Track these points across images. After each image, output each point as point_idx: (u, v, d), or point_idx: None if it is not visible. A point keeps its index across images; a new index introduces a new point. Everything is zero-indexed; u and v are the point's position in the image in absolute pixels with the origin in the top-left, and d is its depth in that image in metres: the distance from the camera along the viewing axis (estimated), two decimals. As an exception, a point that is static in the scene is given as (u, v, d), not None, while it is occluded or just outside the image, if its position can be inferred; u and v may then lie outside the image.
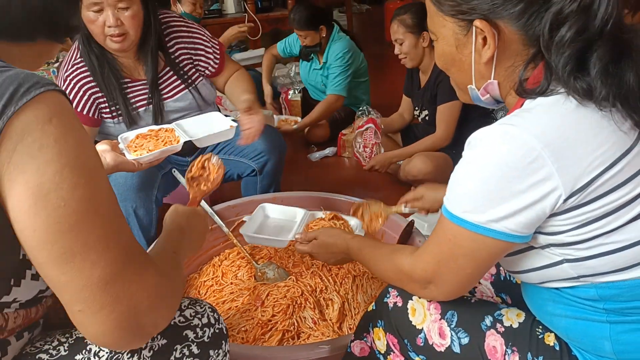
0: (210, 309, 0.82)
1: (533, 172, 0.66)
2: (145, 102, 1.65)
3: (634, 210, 0.69)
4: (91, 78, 1.57)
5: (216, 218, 1.58)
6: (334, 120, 2.99)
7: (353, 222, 1.47)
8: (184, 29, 1.69)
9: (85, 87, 1.58)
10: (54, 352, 0.70)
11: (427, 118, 2.40)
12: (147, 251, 0.73)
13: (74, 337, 0.73)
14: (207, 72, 1.73)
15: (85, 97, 1.58)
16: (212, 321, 0.81)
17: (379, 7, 6.27)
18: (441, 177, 2.08)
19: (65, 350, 0.71)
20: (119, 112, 1.62)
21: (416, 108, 2.47)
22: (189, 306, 0.80)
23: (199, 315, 0.79)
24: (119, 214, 0.63)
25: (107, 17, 1.43)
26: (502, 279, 1.09)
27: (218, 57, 1.73)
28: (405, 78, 2.53)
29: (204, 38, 1.72)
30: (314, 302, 1.36)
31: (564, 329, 0.79)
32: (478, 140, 0.71)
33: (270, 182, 1.83)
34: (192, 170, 1.22)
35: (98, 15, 1.44)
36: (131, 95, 1.64)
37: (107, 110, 1.62)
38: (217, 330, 0.81)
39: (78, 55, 1.58)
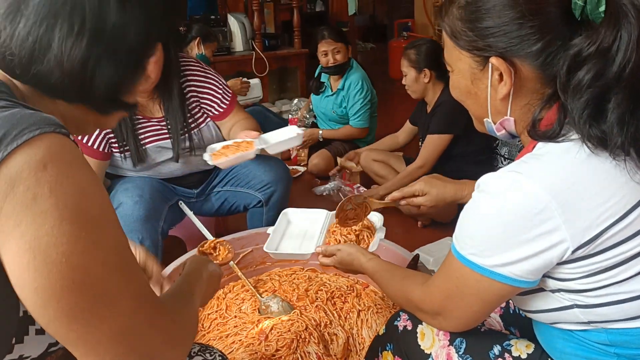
0: (220, 356, 0.80)
1: (540, 223, 0.66)
2: (155, 138, 1.68)
3: None
4: None
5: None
6: (337, 154, 3.03)
7: (375, 218, 1.39)
8: (200, 73, 1.72)
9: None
10: None
11: None
12: (164, 289, 0.72)
13: None
14: (211, 112, 1.74)
15: (96, 132, 1.61)
16: None
17: (383, 45, 6.43)
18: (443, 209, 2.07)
19: None
20: (127, 149, 1.65)
21: (421, 138, 2.54)
22: (199, 353, 0.78)
23: None
24: (129, 260, 0.58)
25: None
26: (512, 312, 1.07)
27: (227, 102, 1.74)
28: (416, 107, 2.64)
29: (218, 84, 1.74)
30: (318, 337, 1.34)
31: None
32: (487, 186, 0.71)
33: (276, 213, 1.83)
34: (204, 247, 1.28)
35: None
36: (142, 133, 1.67)
37: (116, 145, 1.65)
38: None
39: None
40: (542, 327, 0.82)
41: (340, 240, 1.29)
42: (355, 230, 1.32)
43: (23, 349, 0.57)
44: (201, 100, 1.72)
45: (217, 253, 1.28)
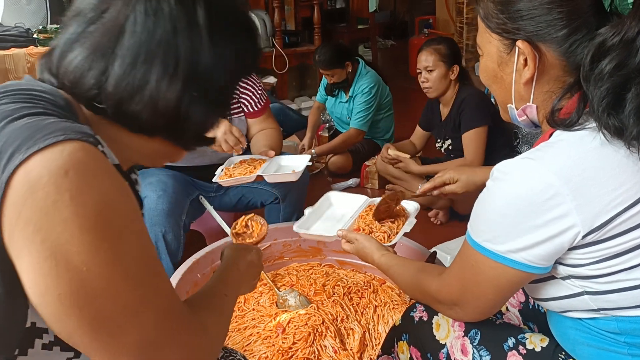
0: None
1: (551, 208, 0.67)
2: None
3: None
4: None
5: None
6: (356, 152, 3.03)
7: (410, 206, 1.38)
8: None
9: None
10: None
11: (450, 147, 2.43)
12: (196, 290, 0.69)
13: None
14: (247, 109, 1.84)
15: None
16: None
17: (403, 42, 6.39)
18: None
19: None
20: None
21: (438, 140, 2.49)
22: (222, 358, 0.77)
23: None
24: (156, 271, 0.56)
25: None
26: (531, 307, 1.08)
27: (261, 104, 1.85)
28: (424, 111, 2.57)
29: (257, 86, 1.86)
30: (334, 331, 1.36)
31: (586, 357, 0.78)
32: (500, 173, 0.73)
33: (293, 210, 1.86)
34: (236, 227, 1.30)
35: None
36: None
37: None
38: None
39: None
40: (555, 318, 0.83)
41: (366, 226, 1.29)
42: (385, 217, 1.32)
43: None
44: (240, 95, 1.83)
45: (251, 230, 1.27)
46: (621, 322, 0.72)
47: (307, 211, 1.44)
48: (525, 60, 0.76)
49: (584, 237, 0.68)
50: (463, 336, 0.87)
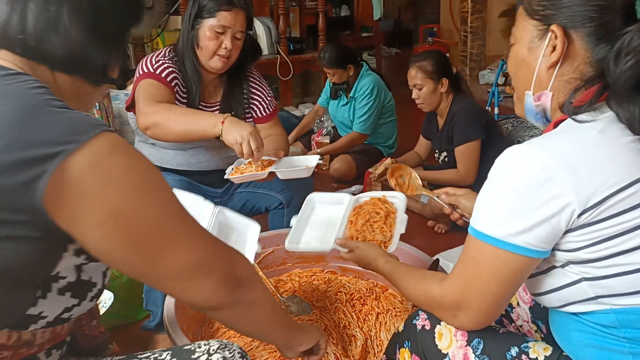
0: (239, 354, 0.81)
1: (549, 188, 0.71)
2: None
3: None
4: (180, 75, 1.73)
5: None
6: (360, 159, 3.03)
7: (397, 200, 1.38)
8: (257, 76, 1.91)
9: (173, 75, 1.70)
10: None
11: (446, 159, 2.45)
12: None
13: None
14: (256, 115, 1.86)
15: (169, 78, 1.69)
16: None
17: (408, 50, 6.42)
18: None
19: None
20: None
21: (436, 151, 2.52)
22: (218, 350, 0.79)
23: None
24: (188, 215, 0.73)
25: (226, 40, 1.66)
26: (542, 306, 1.07)
27: (270, 110, 1.88)
28: (424, 120, 2.60)
29: (267, 92, 1.90)
30: (337, 338, 1.36)
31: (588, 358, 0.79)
32: (500, 160, 0.77)
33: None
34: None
35: (219, 36, 1.65)
36: None
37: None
38: None
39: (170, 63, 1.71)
40: (557, 321, 0.84)
41: (358, 234, 1.28)
42: (375, 221, 1.31)
43: (43, 306, 0.67)
44: (251, 100, 1.86)
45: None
46: (619, 313, 0.74)
47: (293, 221, 1.41)
48: (554, 47, 0.81)
49: (579, 216, 0.71)
50: (465, 346, 0.87)
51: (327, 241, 1.29)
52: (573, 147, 0.73)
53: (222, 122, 1.50)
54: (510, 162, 0.76)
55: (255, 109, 1.86)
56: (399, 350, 0.99)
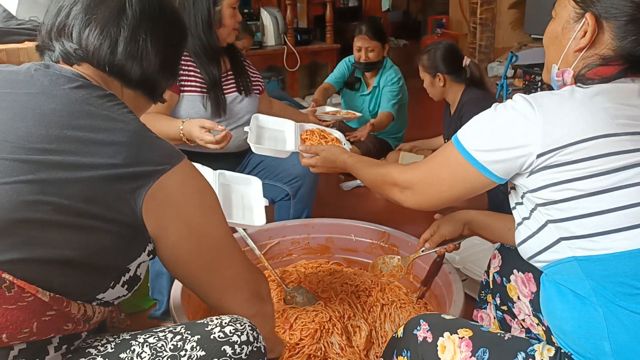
0: (250, 327, 0.83)
1: (522, 123, 0.81)
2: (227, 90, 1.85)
3: (610, 180, 0.77)
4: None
5: (249, 241, 1.62)
6: (367, 151, 3.02)
7: (338, 134, 1.65)
8: (245, 60, 2.01)
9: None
10: (102, 349, 0.77)
11: None
12: None
13: (121, 338, 0.79)
14: (261, 88, 2.00)
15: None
16: (251, 339, 0.81)
17: (416, 42, 6.37)
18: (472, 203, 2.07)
19: (112, 348, 0.77)
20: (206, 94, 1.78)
21: (445, 140, 2.51)
22: (230, 323, 0.82)
23: (239, 332, 0.81)
24: (232, 236, 0.90)
25: (237, 13, 1.77)
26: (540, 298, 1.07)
27: (263, 84, 2.03)
28: (443, 119, 2.61)
29: (256, 70, 2.03)
30: (341, 328, 1.36)
31: (572, 333, 0.81)
32: (504, 103, 0.87)
33: (303, 207, 1.86)
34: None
35: (234, 12, 1.75)
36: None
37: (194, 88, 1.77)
38: (254, 349, 0.81)
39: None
40: (544, 294, 0.89)
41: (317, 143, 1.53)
42: (327, 141, 1.59)
43: (108, 294, 0.78)
44: (251, 76, 1.95)
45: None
46: (581, 261, 0.79)
47: (246, 129, 1.59)
48: (585, 33, 0.87)
49: (538, 157, 0.80)
50: (470, 357, 0.85)
51: (290, 146, 1.51)
52: (557, 104, 0.82)
53: (180, 128, 1.60)
54: (508, 101, 0.86)
55: (259, 83, 1.99)
56: (396, 357, 0.97)
